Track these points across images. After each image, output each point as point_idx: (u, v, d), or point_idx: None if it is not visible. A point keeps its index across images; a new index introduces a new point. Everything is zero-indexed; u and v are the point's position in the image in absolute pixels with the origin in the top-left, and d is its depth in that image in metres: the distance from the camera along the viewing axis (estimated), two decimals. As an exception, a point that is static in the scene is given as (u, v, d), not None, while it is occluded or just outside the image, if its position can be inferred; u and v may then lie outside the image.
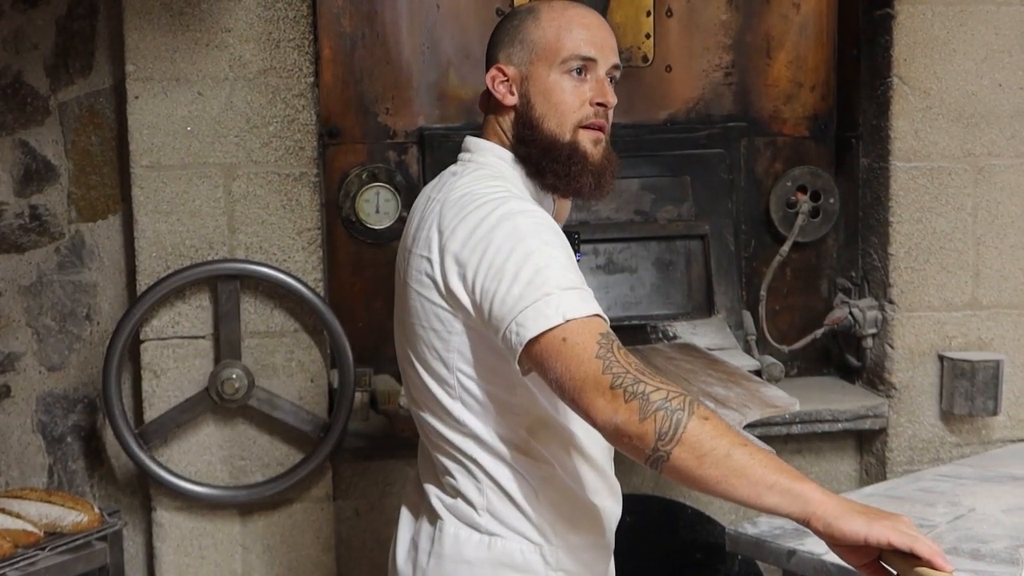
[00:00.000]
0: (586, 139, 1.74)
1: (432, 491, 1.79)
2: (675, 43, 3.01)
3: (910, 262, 2.87)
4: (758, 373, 2.78)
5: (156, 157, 2.60)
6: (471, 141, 1.80)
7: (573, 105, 1.73)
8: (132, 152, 2.60)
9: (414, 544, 1.81)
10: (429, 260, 1.66)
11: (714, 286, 2.95)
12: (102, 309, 2.79)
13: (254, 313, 2.65)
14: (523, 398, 1.69)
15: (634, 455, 1.48)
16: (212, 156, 2.61)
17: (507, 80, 1.75)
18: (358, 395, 2.71)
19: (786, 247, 3.02)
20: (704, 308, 2.96)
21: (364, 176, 2.90)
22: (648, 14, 2.98)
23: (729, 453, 1.44)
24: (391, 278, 2.94)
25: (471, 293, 1.59)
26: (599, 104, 1.74)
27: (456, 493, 1.74)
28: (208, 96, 2.59)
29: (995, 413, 2.85)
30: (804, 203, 3.02)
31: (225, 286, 2.61)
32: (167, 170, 2.60)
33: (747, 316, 3.00)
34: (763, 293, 3.02)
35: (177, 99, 2.59)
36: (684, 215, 2.97)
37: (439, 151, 2.89)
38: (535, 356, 1.52)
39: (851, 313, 2.96)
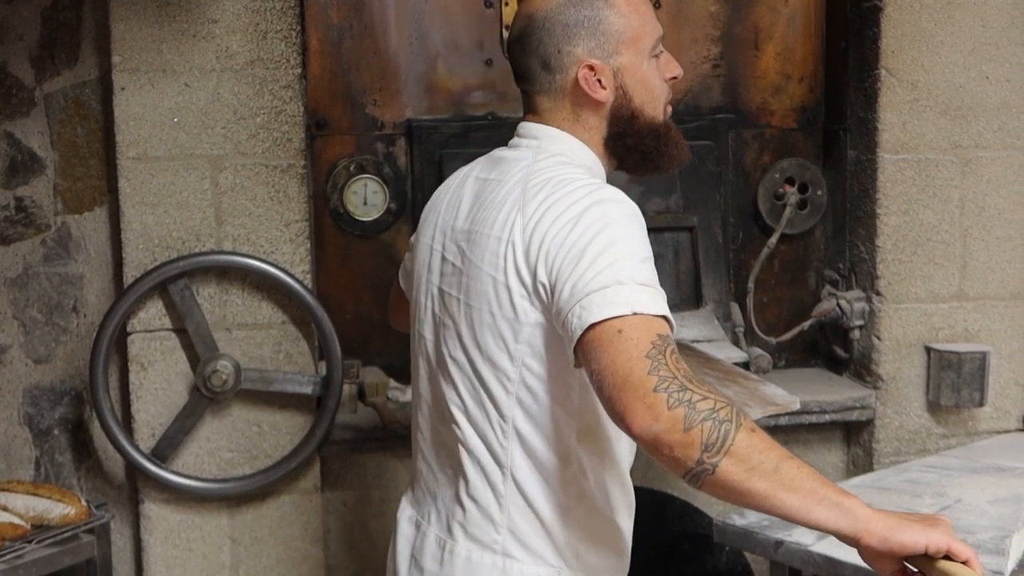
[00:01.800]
0: (669, 114, 1.77)
1: (443, 500, 1.72)
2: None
3: (897, 254, 2.88)
4: (746, 365, 2.79)
5: (143, 149, 2.59)
6: (535, 127, 1.73)
7: (661, 88, 1.74)
8: (118, 144, 2.59)
9: (416, 564, 1.74)
10: (511, 243, 1.59)
11: (702, 278, 2.95)
12: (89, 301, 2.78)
13: (241, 305, 2.64)
14: (579, 402, 1.62)
15: (672, 466, 1.40)
16: (199, 148, 2.60)
17: (596, 75, 1.68)
18: (346, 387, 2.70)
19: (774, 239, 3.02)
20: (692, 300, 2.96)
21: (352, 168, 2.89)
22: (636, 6, 2.97)
23: (778, 467, 1.39)
24: (379, 270, 2.97)
25: (549, 273, 1.54)
26: (673, 78, 1.76)
27: (474, 504, 1.66)
28: (195, 87, 2.58)
29: (981, 404, 2.86)
30: (792, 195, 3.02)
31: (175, 285, 2.59)
32: (154, 162, 2.59)
33: (735, 308, 3.01)
34: (751, 285, 3.02)
35: (164, 90, 2.57)
36: (672, 207, 2.97)
37: (427, 143, 2.88)
38: (586, 343, 1.45)
39: (838, 305, 2.96)
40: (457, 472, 1.69)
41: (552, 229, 1.55)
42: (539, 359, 1.60)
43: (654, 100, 1.73)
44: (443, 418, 1.72)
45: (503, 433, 1.63)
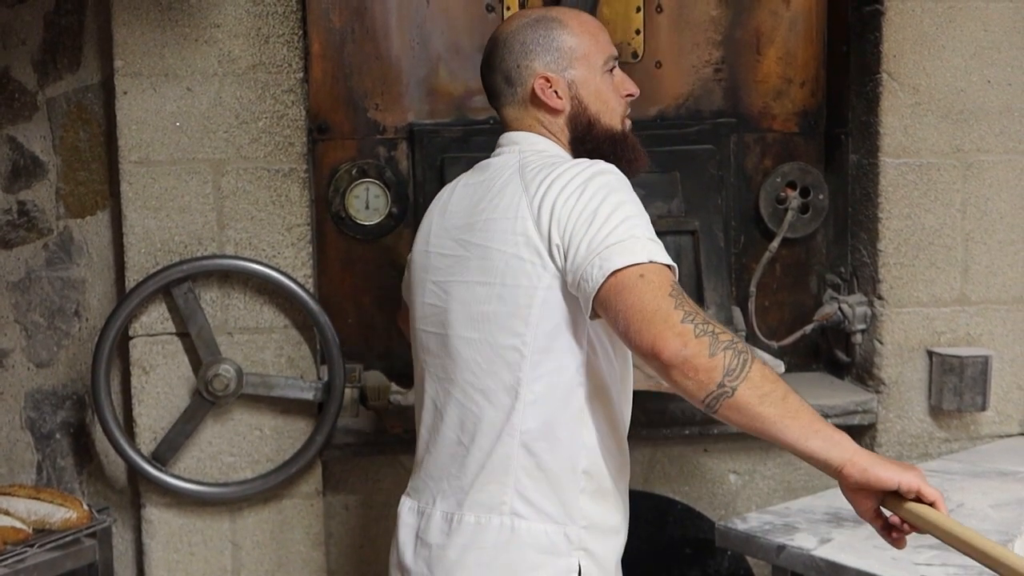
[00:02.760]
0: (628, 126, 1.93)
1: (450, 480, 1.78)
2: (665, 39, 3.01)
3: (899, 258, 2.88)
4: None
5: (145, 153, 2.59)
6: (515, 134, 1.90)
7: (616, 101, 1.91)
8: (121, 148, 2.59)
9: (423, 543, 1.80)
10: (519, 218, 1.73)
11: (704, 282, 2.95)
12: (91, 305, 2.78)
13: (243, 309, 2.65)
14: (589, 362, 1.74)
15: (694, 389, 1.56)
16: (201, 152, 2.60)
17: (551, 86, 1.86)
18: (348, 391, 2.70)
19: (775, 243, 3.02)
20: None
21: (354, 172, 2.89)
22: (638, 10, 2.98)
23: (786, 396, 1.57)
24: (381, 274, 2.97)
25: (562, 235, 1.68)
26: (628, 95, 1.93)
27: (483, 470, 1.74)
28: (197, 92, 2.59)
29: (983, 409, 2.86)
30: (793, 199, 3.02)
31: (179, 289, 2.59)
32: (156, 166, 2.60)
33: (737, 312, 3.00)
34: (753, 289, 3.02)
35: (166, 95, 2.58)
36: (674, 211, 2.97)
37: (429, 147, 2.88)
38: (607, 290, 1.61)
39: (840, 309, 2.96)
40: (468, 446, 1.77)
41: (561, 197, 1.69)
42: (552, 322, 1.72)
43: (609, 111, 1.90)
44: (452, 400, 1.79)
45: (516, 397, 1.73)
